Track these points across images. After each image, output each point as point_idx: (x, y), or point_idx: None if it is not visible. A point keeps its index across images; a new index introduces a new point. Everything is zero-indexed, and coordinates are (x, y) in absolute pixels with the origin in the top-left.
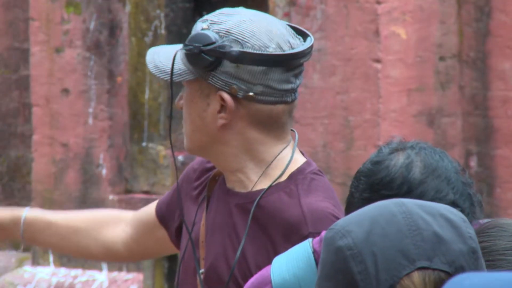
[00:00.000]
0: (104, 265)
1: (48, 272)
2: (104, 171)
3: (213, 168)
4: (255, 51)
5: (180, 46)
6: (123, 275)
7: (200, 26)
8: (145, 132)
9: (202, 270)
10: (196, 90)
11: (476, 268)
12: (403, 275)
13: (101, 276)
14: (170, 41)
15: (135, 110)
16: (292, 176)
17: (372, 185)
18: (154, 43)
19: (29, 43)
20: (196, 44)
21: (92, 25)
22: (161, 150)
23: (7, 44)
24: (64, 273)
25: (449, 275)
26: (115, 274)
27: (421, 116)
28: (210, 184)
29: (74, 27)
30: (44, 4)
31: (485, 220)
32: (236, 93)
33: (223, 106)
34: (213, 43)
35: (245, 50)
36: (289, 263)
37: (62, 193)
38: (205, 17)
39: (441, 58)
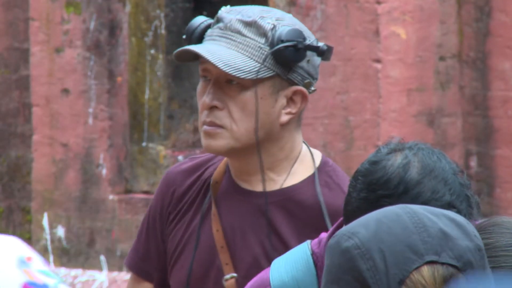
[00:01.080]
0: (104, 265)
1: None
2: (104, 171)
3: (193, 184)
4: (322, 45)
5: (218, 45)
6: (123, 275)
7: (268, 22)
8: (145, 132)
9: (232, 275)
10: (268, 86)
11: (482, 264)
12: (412, 269)
13: (101, 276)
14: (170, 41)
15: (135, 110)
16: (320, 169)
17: (369, 184)
18: (154, 43)
19: (29, 43)
20: (299, 39)
21: (92, 25)
22: (161, 150)
23: (7, 44)
24: (64, 273)
25: (458, 269)
26: (115, 274)
27: (421, 116)
28: (214, 190)
29: (74, 27)
30: (44, 4)
31: (481, 220)
32: (309, 88)
33: (289, 103)
34: (305, 38)
35: (318, 44)
36: (288, 266)
37: (62, 193)
38: (256, 14)
39: (441, 58)
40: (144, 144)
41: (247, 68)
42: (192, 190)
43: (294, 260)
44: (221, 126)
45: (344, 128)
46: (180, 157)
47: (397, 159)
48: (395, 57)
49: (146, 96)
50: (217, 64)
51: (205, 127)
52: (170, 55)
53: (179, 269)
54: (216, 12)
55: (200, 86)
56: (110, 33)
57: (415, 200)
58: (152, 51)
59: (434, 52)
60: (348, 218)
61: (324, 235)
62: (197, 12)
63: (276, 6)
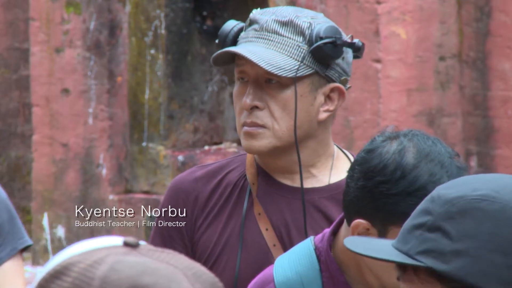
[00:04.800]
0: None
1: None
2: (104, 171)
3: (215, 189)
4: (357, 41)
5: (259, 45)
6: None
7: (304, 21)
8: (145, 132)
9: None
10: (307, 84)
11: None
12: None
13: None
14: (170, 41)
15: (135, 110)
16: None
17: (366, 172)
18: (154, 43)
19: (29, 43)
20: (337, 36)
21: (92, 25)
22: (161, 150)
23: (7, 44)
24: None
25: None
26: None
27: (421, 116)
28: (253, 190)
29: (74, 27)
30: (44, 4)
31: None
32: (345, 85)
33: (326, 100)
34: (342, 35)
35: (354, 41)
36: (292, 261)
37: (62, 193)
38: (291, 13)
39: (441, 58)
40: (144, 144)
41: (287, 67)
42: (216, 195)
43: (298, 255)
44: (262, 126)
45: (344, 128)
46: (180, 157)
47: (393, 146)
48: (395, 57)
49: (146, 96)
50: (259, 63)
51: (245, 128)
52: (170, 55)
53: (221, 271)
54: (216, 12)
55: (237, 89)
56: (110, 33)
57: (413, 184)
58: (152, 51)
59: (434, 52)
60: (348, 209)
61: (327, 230)
62: (197, 12)
63: (276, 6)
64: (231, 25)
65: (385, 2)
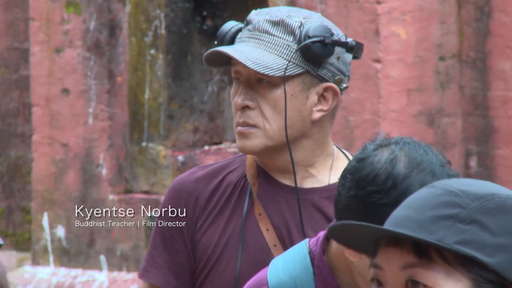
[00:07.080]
0: (104, 265)
1: (48, 272)
2: (104, 171)
3: (216, 189)
4: (350, 40)
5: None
6: (123, 275)
7: (296, 20)
8: (145, 132)
9: None
10: (298, 83)
11: None
12: None
13: (101, 276)
14: (170, 41)
15: (135, 110)
16: None
17: (358, 182)
18: (154, 43)
19: (29, 43)
20: (326, 35)
21: (92, 25)
22: (161, 150)
23: (7, 44)
24: (64, 273)
25: None
26: (115, 274)
27: (421, 116)
28: (254, 190)
29: (74, 27)
30: (44, 4)
31: None
32: (340, 84)
33: (320, 100)
34: (333, 34)
35: (347, 40)
36: (285, 264)
37: (62, 193)
38: (284, 13)
39: (441, 58)
40: (144, 144)
41: (275, 66)
42: (216, 195)
43: (292, 258)
44: (254, 126)
45: (344, 128)
46: (180, 157)
47: (384, 155)
48: (395, 57)
49: (146, 96)
50: (245, 63)
51: (238, 128)
52: (170, 55)
53: (222, 272)
54: (216, 12)
55: (232, 89)
56: (110, 33)
57: (404, 194)
58: (152, 51)
59: (434, 52)
60: (340, 217)
61: (322, 233)
62: (197, 12)
63: (276, 6)
64: (230, 26)
65: (385, 2)
